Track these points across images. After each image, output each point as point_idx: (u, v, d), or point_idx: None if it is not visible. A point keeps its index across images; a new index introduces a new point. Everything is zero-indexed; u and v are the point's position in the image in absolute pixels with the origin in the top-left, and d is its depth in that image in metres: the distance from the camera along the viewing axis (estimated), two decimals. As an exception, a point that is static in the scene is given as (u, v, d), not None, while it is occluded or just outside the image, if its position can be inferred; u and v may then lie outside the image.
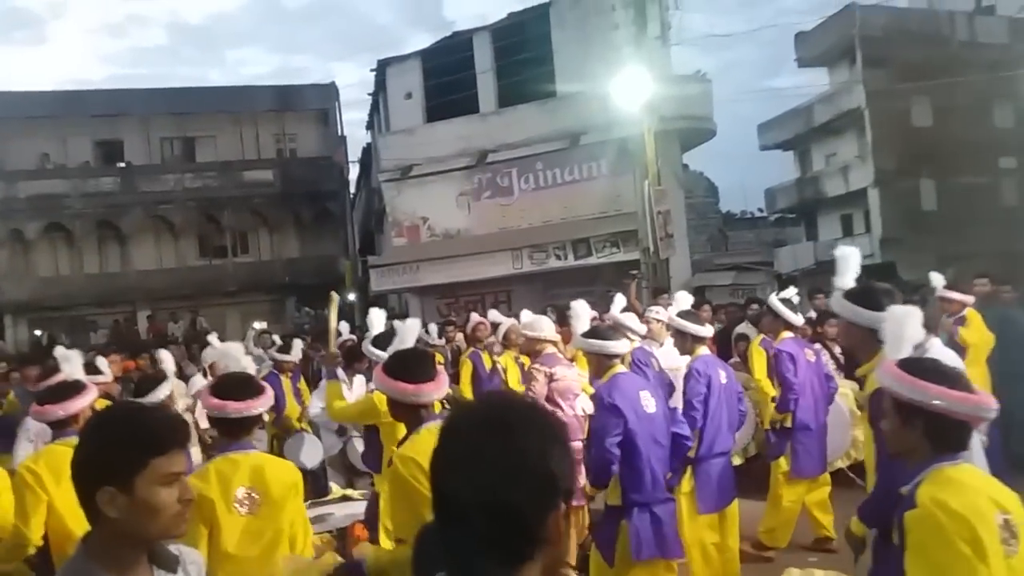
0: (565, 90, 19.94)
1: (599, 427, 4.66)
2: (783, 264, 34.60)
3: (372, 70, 23.87)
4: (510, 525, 1.28)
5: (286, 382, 9.32)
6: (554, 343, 6.30)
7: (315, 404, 7.29)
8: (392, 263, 21.84)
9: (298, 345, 10.15)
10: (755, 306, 10.68)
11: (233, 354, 4.29)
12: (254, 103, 30.62)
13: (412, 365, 3.32)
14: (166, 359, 5.66)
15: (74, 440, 3.83)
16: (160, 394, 4.83)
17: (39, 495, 3.69)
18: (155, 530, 1.85)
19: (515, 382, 7.61)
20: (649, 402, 4.70)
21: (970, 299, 8.05)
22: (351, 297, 29.43)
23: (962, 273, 9.69)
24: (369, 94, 26.00)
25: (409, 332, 3.95)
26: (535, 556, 1.30)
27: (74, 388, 4.12)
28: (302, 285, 29.44)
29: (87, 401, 4.08)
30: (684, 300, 6.15)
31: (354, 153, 32.80)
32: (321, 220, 31.12)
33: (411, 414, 3.28)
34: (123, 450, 1.82)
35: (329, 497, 5.76)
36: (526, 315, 7.02)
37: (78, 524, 3.36)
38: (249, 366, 4.37)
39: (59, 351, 5.06)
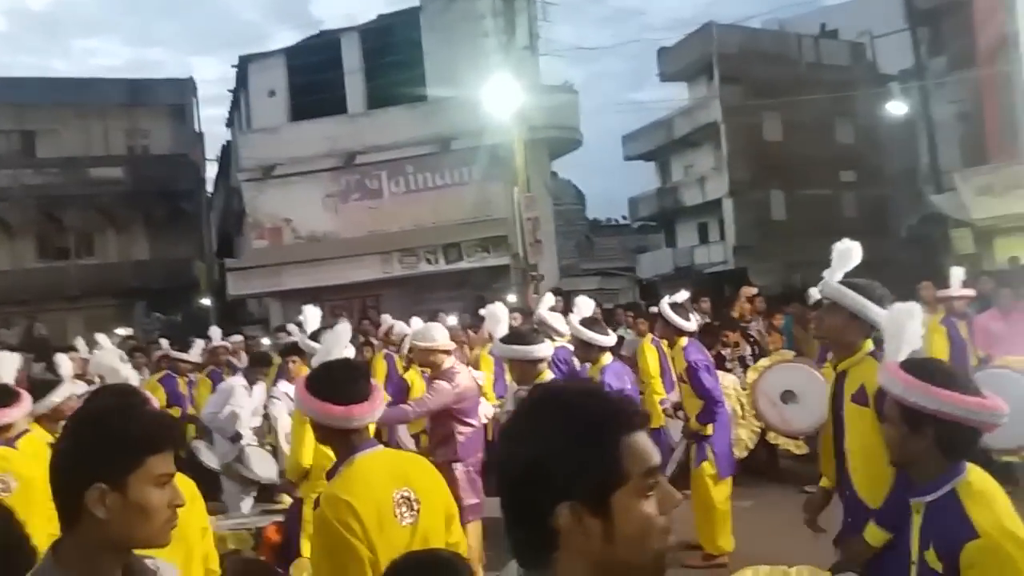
0: (435, 94, 19.80)
1: None
2: (644, 270, 35.82)
3: (234, 66, 22.99)
4: (519, 506, 1.27)
5: (183, 383, 8.87)
6: (449, 352, 5.56)
7: (209, 407, 6.85)
8: (252, 266, 21.00)
9: (199, 345, 9.48)
10: (630, 313, 10.94)
11: (107, 363, 3.83)
12: (103, 96, 28.74)
13: (341, 381, 2.80)
14: (63, 363, 4.99)
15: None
16: (55, 397, 4.28)
17: None
18: (142, 535, 1.74)
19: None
20: None
21: None
22: (206, 302, 28.17)
23: (808, 279, 10.12)
24: (230, 91, 24.99)
25: (337, 340, 3.22)
26: (555, 545, 1.23)
27: (14, 395, 3.93)
28: (152, 289, 27.94)
29: (26, 409, 3.91)
30: (585, 306, 5.84)
31: (213, 151, 31.53)
32: (174, 220, 29.64)
33: (340, 440, 2.79)
34: (118, 445, 1.72)
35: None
36: (416, 323, 6.57)
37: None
38: (130, 376, 3.91)
39: None
